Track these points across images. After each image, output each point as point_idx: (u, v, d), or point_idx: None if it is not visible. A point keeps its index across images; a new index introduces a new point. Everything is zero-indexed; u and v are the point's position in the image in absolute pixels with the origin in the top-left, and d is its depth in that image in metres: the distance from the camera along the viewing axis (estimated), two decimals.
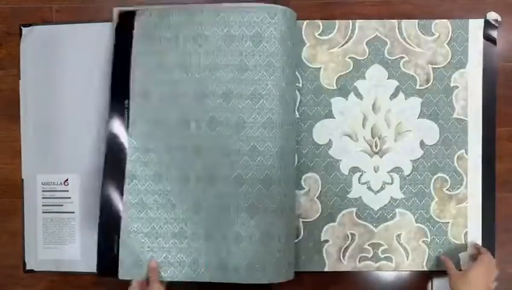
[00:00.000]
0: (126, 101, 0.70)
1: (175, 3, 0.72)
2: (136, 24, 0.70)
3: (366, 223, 0.72)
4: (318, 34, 0.72)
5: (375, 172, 0.72)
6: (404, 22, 0.72)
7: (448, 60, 0.72)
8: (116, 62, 0.71)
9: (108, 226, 0.69)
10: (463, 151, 0.72)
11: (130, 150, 0.69)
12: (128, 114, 0.69)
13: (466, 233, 0.71)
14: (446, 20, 0.72)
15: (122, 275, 0.68)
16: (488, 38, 0.72)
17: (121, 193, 0.69)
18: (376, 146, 0.72)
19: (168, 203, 0.68)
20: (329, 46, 0.72)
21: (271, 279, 0.66)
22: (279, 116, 0.66)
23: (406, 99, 0.72)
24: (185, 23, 0.68)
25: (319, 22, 0.72)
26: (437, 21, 0.72)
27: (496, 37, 0.72)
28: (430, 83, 0.72)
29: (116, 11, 0.72)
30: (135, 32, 0.70)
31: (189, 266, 0.67)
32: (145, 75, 0.69)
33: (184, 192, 0.68)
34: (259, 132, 0.65)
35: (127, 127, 0.69)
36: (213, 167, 0.67)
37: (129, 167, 0.69)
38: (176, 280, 0.68)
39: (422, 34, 0.72)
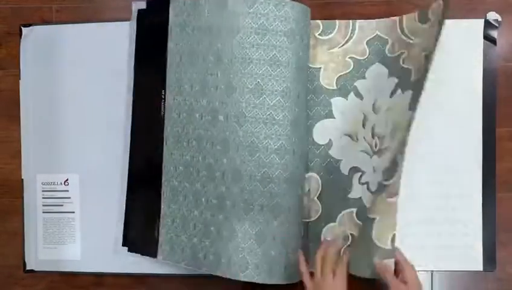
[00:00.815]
0: (163, 91, 0.71)
1: None
2: (171, 12, 0.70)
3: None
4: (318, 34, 0.72)
5: (375, 172, 0.72)
6: (405, 17, 0.71)
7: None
8: (148, 50, 0.72)
9: (148, 213, 0.72)
10: None
11: (166, 141, 0.71)
12: (164, 104, 0.71)
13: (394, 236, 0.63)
14: (446, 20, 0.72)
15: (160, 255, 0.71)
16: (488, 38, 0.72)
17: (159, 185, 0.72)
18: (376, 146, 0.72)
19: (195, 198, 0.69)
20: (330, 46, 0.72)
21: (279, 279, 0.66)
22: (295, 114, 0.66)
23: (403, 93, 0.71)
24: (216, 13, 0.67)
25: (319, 22, 0.72)
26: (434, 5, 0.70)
27: (495, 37, 0.72)
28: None
29: (136, 5, 0.73)
30: (171, 21, 0.70)
31: (208, 261, 0.68)
32: (179, 66, 0.70)
33: (210, 188, 0.68)
34: (288, 129, 0.65)
35: (163, 118, 0.71)
36: (239, 163, 0.66)
37: (166, 157, 0.71)
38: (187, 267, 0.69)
39: (421, 23, 0.71)
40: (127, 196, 0.73)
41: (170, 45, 0.71)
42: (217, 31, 0.67)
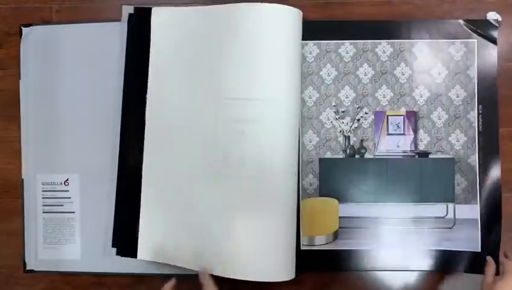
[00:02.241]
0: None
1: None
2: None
3: None
4: None
5: None
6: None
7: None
8: (132, 60, 0.72)
9: (129, 213, 0.71)
10: None
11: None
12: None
13: None
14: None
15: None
16: (488, 38, 0.72)
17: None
18: None
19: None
20: None
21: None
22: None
23: None
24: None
25: None
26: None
27: (496, 37, 0.72)
28: None
29: (126, 8, 0.73)
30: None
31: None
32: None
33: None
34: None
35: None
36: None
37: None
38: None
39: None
40: (116, 199, 0.73)
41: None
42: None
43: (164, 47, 0.71)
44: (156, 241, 0.70)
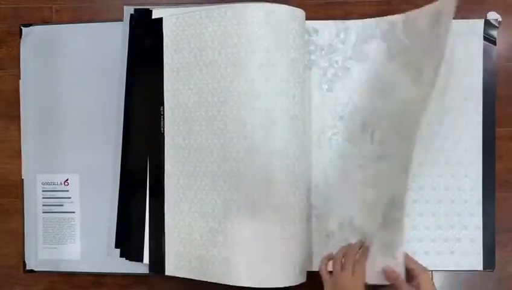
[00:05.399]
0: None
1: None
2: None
3: None
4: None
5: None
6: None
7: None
8: (134, 60, 0.72)
9: (132, 214, 0.72)
10: None
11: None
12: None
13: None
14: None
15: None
16: (488, 38, 0.72)
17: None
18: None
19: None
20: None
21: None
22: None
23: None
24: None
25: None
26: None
27: (496, 37, 0.72)
28: None
29: (127, 9, 0.72)
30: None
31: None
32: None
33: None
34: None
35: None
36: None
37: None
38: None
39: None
40: (118, 201, 0.73)
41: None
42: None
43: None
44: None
